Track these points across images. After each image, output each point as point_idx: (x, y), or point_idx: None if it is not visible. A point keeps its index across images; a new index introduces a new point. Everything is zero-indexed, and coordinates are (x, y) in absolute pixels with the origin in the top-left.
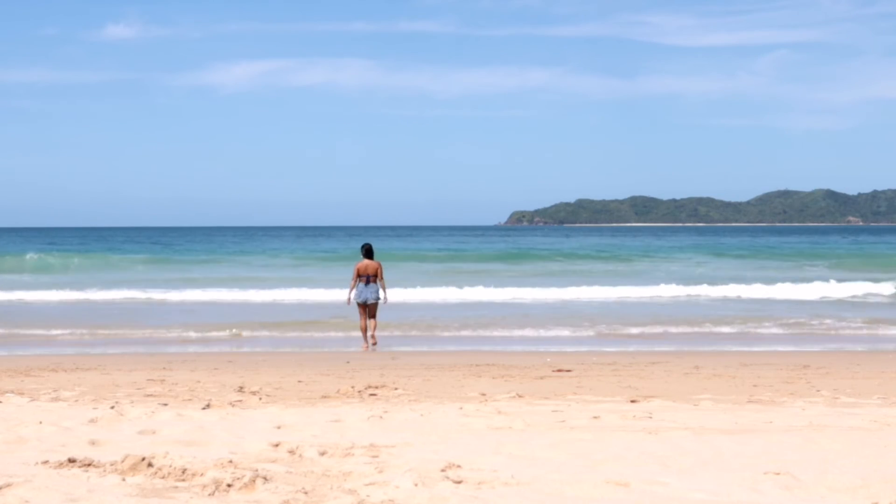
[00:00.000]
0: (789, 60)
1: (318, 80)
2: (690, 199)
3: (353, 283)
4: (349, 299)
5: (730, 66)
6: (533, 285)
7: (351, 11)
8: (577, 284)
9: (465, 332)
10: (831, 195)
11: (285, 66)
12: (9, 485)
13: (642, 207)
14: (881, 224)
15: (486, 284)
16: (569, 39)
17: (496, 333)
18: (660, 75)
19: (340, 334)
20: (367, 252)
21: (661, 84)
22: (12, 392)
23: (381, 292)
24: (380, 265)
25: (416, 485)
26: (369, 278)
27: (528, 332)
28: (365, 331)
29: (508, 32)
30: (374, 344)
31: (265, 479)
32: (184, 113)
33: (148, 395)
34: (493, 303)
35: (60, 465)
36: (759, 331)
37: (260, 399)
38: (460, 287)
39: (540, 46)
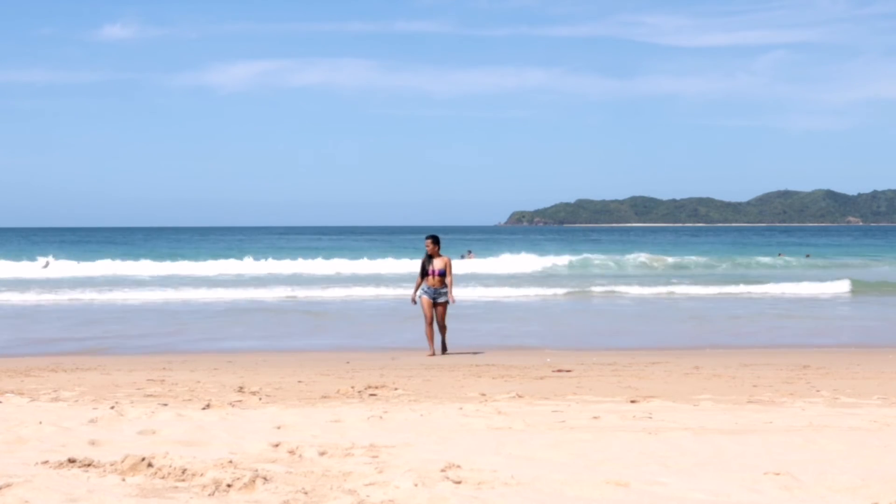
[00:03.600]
0: (788, 61)
1: (316, 81)
2: (690, 200)
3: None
4: (414, 298)
5: (728, 66)
6: None
7: (349, 11)
8: None
9: None
10: (831, 195)
11: (283, 67)
12: (9, 485)
13: (642, 207)
14: (881, 224)
15: None
16: (567, 39)
17: None
18: (658, 75)
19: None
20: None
21: (660, 84)
22: (12, 392)
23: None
24: (448, 261)
25: (416, 485)
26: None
27: None
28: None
29: (506, 32)
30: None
31: (265, 479)
32: (182, 113)
33: (148, 396)
34: None
35: (60, 465)
36: None
37: (260, 399)
38: None
39: (538, 46)
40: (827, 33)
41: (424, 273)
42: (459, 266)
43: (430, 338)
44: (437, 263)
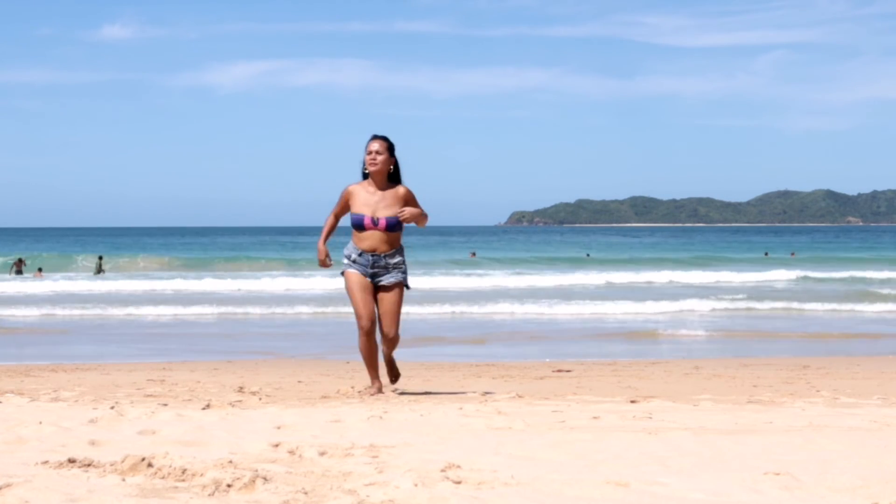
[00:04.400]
0: (787, 61)
1: (316, 81)
2: (690, 200)
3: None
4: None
5: (728, 66)
6: None
7: (348, 12)
8: None
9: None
10: (831, 195)
11: (283, 67)
12: (9, 485)
13: (642, 207)
14: (881, 224)
15: None
16: (566, 40)
17: None
18: (658, 75)
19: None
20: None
21: (660, 84)
22: (12, 392)
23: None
24: (409, 196)
25: (415, 485)
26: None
27: None
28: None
29: (506, 32)
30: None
31: (265, 479)
32: (181, 113)
33: (148, 396)
34: None
35: (60, 465)
36: None
37: (260, 399)
38: None
39: (538, 47)
40: (827, 33)
41: (358, 224)
42: None
43: (371, 360)
44: (388, 200)
